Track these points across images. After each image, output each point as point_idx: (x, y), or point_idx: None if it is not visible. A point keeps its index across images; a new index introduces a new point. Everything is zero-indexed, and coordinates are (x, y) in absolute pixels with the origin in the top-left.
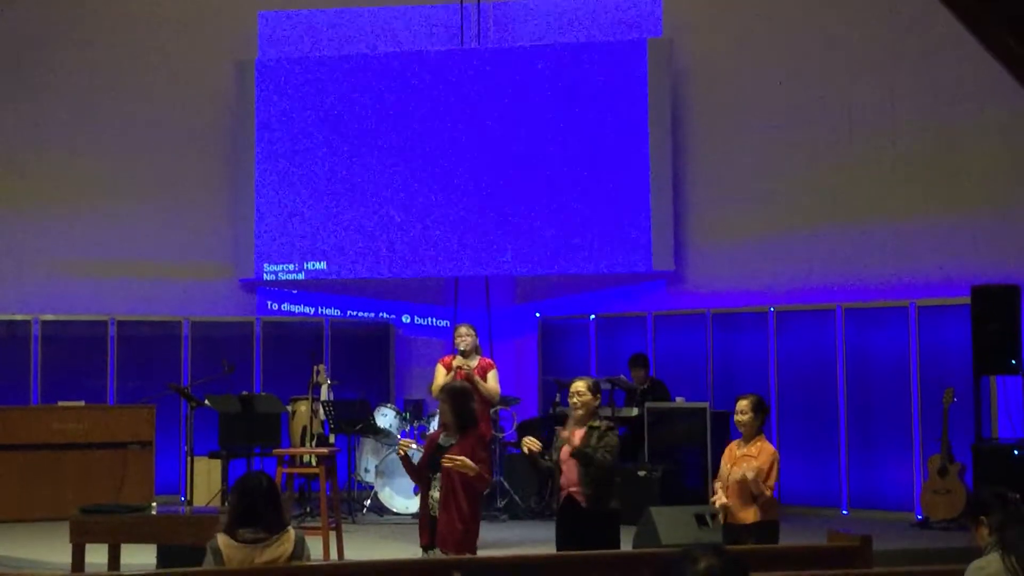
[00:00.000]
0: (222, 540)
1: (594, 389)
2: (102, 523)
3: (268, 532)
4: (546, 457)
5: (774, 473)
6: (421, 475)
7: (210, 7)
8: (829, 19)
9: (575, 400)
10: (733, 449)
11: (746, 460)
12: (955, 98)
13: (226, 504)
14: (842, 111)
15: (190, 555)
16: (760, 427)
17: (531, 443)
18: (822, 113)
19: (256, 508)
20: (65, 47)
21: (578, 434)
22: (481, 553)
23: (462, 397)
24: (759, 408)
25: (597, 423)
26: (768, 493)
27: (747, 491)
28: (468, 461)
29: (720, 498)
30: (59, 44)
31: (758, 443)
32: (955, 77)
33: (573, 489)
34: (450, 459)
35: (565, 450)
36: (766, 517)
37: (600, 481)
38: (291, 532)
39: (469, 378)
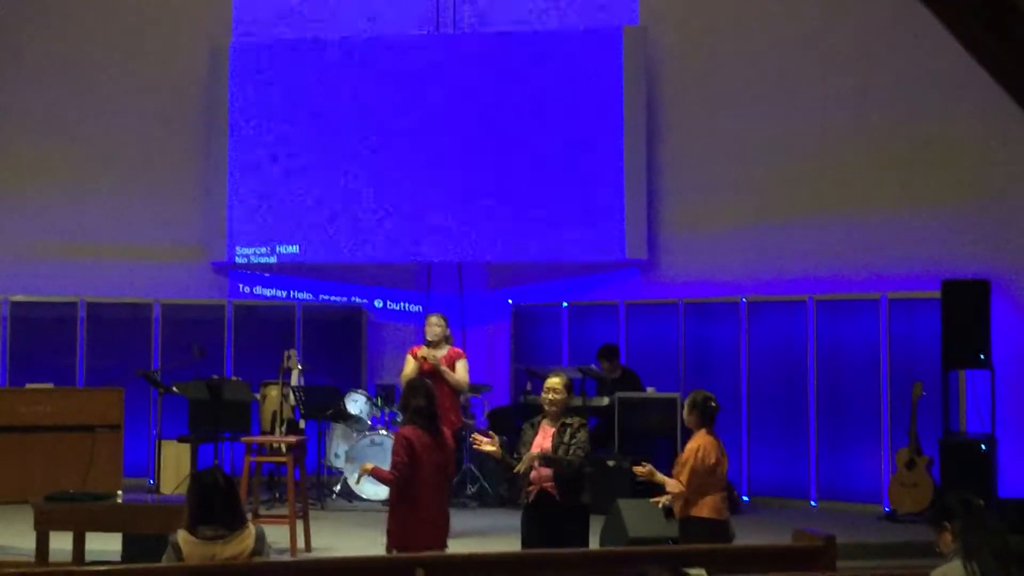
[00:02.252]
0: (182, 536)
1: (569, 387)
2: (66, 511)
3: (227, 528)
4: (515, 456)
5: (687, 470)
6: None
7: None
8: (804, 9)
9: (550, 396)
10: None
11: (681, 456)
12: (927, 91)
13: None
14: (816, 102)
15: (156, 544)
16: (700, 423)
17: (485, 443)
18: (796, 104)
19: (214, 506)
20: (37, 29)
21: (549, 432)
22: (450, 542)
23: (406, 391)
24: (694, 406)
25: (570, 420)
26: (675, 489)
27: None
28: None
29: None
30: (31, 26)
31: (693, 439)
32: (928, 70)
33: (548, 484)
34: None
35: (536, 445)
36: (685, 513)
37: (572, 477)
38: (251, 528)
39: (435, 369)
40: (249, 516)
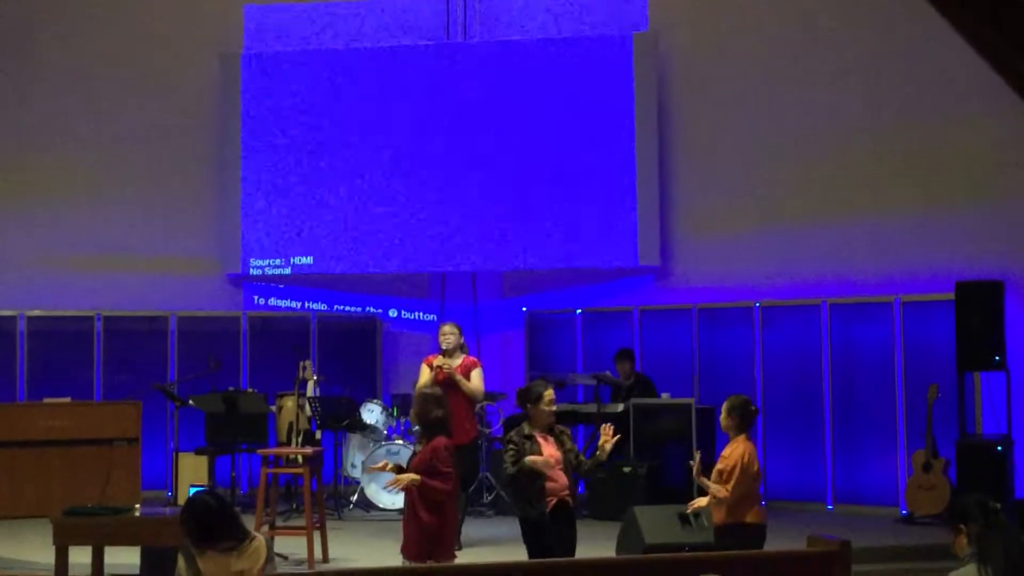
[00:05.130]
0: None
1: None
2: (85, 525)
3: (237, 541)
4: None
5: (735, 475)
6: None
7: (195, 1)
8: (814, 14)
9: (554, 407)
10: None
11: (722, 461)
12: (940, 93)
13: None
14: (827, 106)
15: (174, 557)
16: (739, 427)
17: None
18: (807, 108)
19: (214, 529)
20: (50, 41)
21: (549, 441)
22: (467, 551)
23: (424, 404)
24: (733, 410)
25: (560, 427)
26: (720, 493)
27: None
28: (408, 476)
29: (697, 502)
30: (44, 37)
31: (732, 444)
32: (939, 72)
33: (564, 493)
34: (396, 479)
35: (549, 455)
36: (730, 520)
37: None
38: (260, 539)
39: (450, 378)
40: (266, 528)
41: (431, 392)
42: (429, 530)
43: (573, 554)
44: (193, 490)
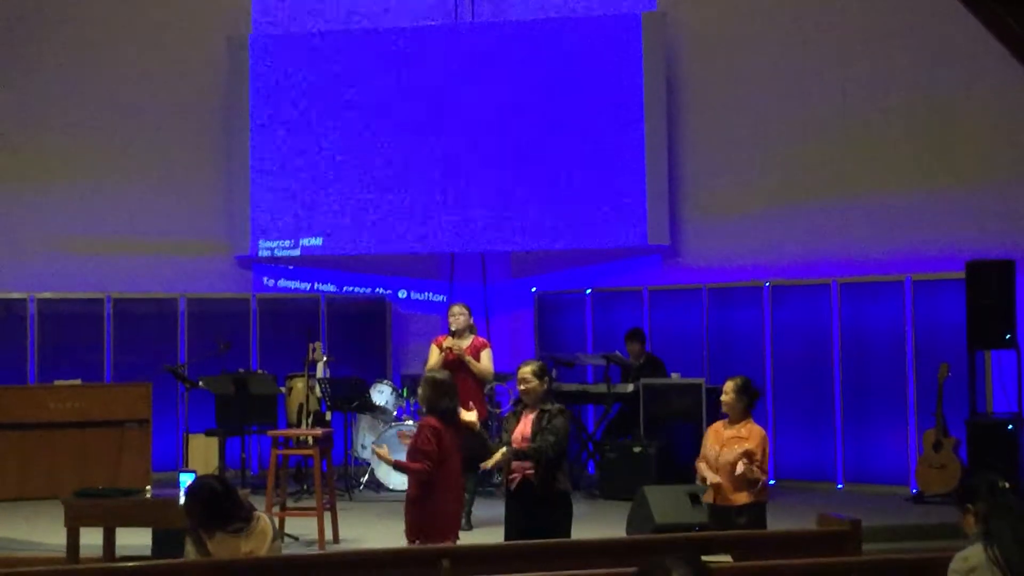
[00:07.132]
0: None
1: (540, 374)
2: (96, 507)
3: (244, 521)
4: (496, 440)
5: (765, 455)
6: None
7: None
8: None
9: (522, 387)
10: (719, 429)
11: (737, 442)
12: (950, 71)
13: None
14: (837, 84)
15: (184, 538)
16: (746, 409)
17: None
18: (817, 86)
19: (222, 511)
20: (59, 22)
21: (529, 419)
22: (476, 530)
23: (432, 392)
24: (744, 391)
25: (548, 406)
26: (764, 477)
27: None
28: (382, 452)
29: (713, 477)
30: (52, 19)
31: (747, 425)
32: (949, 50)
33: (529, 472)
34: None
35: (517, 433)
36: (758, 499)
37: (548, 464)
38: (264, 518)
39: (460, 359)
40: (277, 508)
41: (441, 380)
42: (410, 508)
43: (538, 536)
44: (182, 478)
